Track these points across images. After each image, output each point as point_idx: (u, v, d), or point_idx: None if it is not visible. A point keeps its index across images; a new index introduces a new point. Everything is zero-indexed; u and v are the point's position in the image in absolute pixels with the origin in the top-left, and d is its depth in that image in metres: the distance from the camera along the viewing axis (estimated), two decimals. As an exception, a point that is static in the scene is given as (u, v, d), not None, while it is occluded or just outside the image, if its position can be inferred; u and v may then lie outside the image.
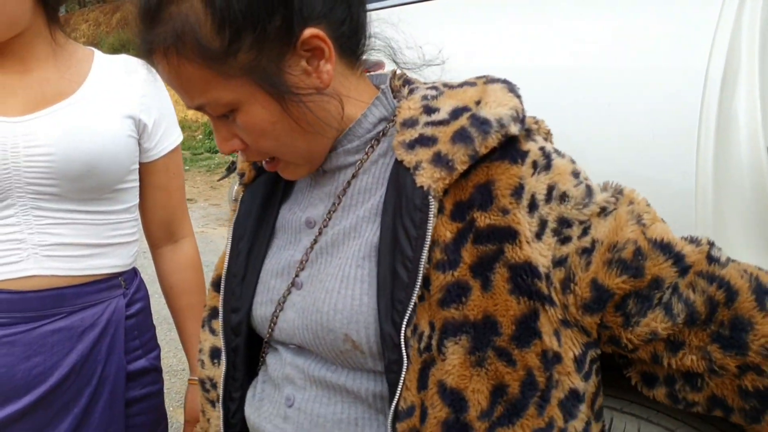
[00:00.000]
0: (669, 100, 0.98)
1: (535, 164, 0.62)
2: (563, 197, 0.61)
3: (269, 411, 0.74)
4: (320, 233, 0.71)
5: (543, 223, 0.61)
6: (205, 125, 13.04)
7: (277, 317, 0.73)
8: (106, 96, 1.05)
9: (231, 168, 6.72)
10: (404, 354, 0.61)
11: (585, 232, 0.61)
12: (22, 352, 0.98)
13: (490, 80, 0.66)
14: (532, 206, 0.61)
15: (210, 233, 5.92)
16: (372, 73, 0.75)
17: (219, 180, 7.58)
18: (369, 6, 0.72)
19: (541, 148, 0.63)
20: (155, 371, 1.17)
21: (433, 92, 0.67)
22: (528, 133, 0.64)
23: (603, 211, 0.62)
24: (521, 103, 0.63)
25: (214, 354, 0.84)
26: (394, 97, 0.72)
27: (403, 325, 0.60)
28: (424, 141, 0.62)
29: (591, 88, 1.06)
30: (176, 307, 1.19)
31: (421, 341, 0.61)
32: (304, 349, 0.72)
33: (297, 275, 0.72)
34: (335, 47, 0.64)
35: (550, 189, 0.61)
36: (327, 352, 0.68)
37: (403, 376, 0.61)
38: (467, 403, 0.60)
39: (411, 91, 0.69)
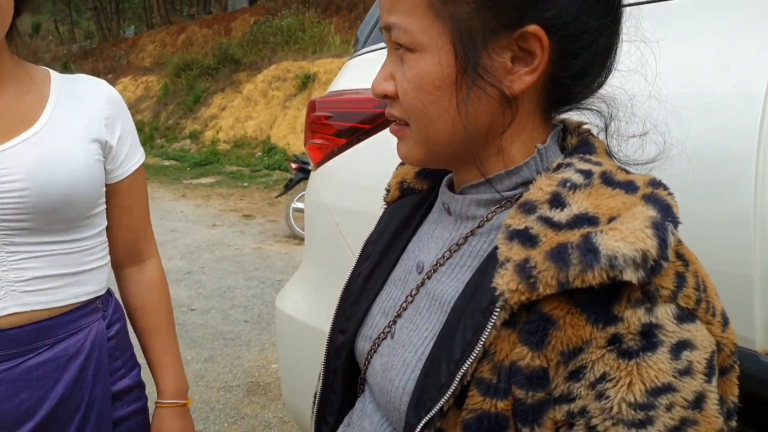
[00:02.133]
0: (726, 127, 0.95)
1: (616, 339, 0.47)
2: (602, 396, 0.47)
3: None
4: (423, 283, 0.64)
5: (569, 398, 0.49)
6: (264, 143, 13.37)
7: (371, 357, 0.68)
8: (70, 120, 1.01)
9: (289, 185, 6.89)
10: None
11: None
12: (8, 389, 0.96)
13: (650, 195, 0.52)
14: (572, 376, 0.49)
15: (266, 249, 6.05)
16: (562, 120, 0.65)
17: (277, 197, 7.76)
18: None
19: (648, 327, 0.47)
20: (139, 388, 1.16)
21: (581, 179, 0.54)
22: (647, 298, 0.48)
23: None
24: (659, 248, 0.47)
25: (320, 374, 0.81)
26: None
27: (421, 425, 0.54)
28: (526, 238, 0.51)
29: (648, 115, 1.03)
30: (141, 328, 1.18)
31: None
32: (381, 407, 0.66)
33: (395, 321, 0.66)
34: (550, 69, 0.56)
35: (604, 377, 0.47)
36: (393, 422, 0.63)
37: None
38: None
39: (561, 167, 0.56)
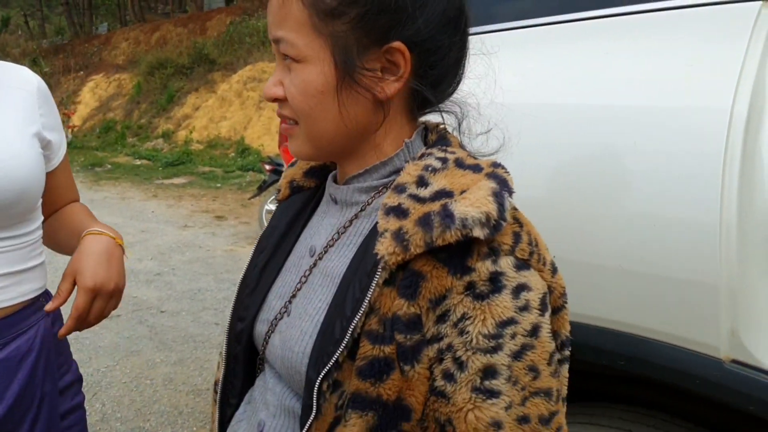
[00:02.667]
0: (693, 140, 0.97)
1: (471, 286, 0.60)
2: (464, 331, 0.59)
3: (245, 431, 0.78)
4: (315, 264, 0.74)
5: (438, 337, 0.61)
6: (238, 143, 13.26)
7: (269, 337, 0.76)
8: (10, 115, 1.00)
9: (262, 186, 6.83)
10: (314, 403, 0.63)
11: (453, 375, 0.60)
12: None
13: (491, 173, 0.65)
14: (439, 319, 0.60)
15: (239, 252, 6.00)
16: (423, 120, 0.77)
17: (250, 198, 7.69)
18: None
19: (494, 275, 0.60)
20: (78, 382, 1.18)
21: (439, 164, 0.67)
22: (492, 251, 0.61)
23: (480, 392, 0.59)
24: (498, 211, 0.60)
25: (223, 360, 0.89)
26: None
27: (320, 377, 0.63)
28: (399, 212, 0.63)
29: (617, 127, 1.06)
30: (69, 221, 1.15)
31: (341, 398, 0.63)
32: (282, 379, 0.75)
33: (290, 301, 0.75)
34: (412, 78, 0.67)
35: (464, 317, 0.59)
36: (295, 387, 0.71)
37: (309, 422, 0.64)
38: None
39: (424, 156, 0.69)
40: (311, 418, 0.64)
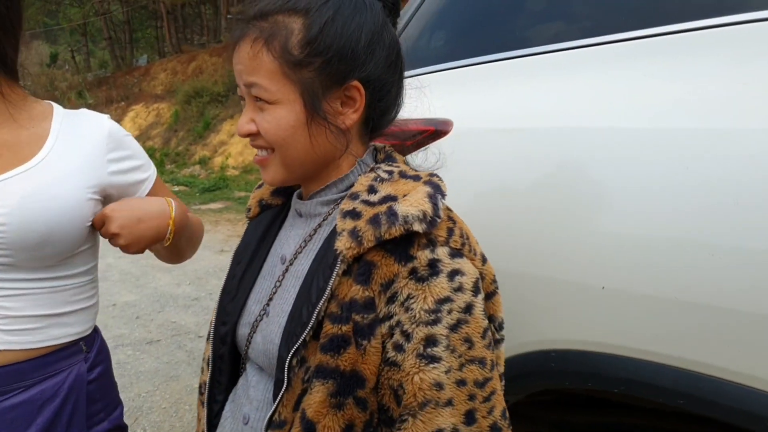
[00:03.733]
0: (753, 163, 0.93)
1: (413, 271, 0.72)
2: (409, 308, 0.71)
3: (230, 427, 0.88)
4: (287, 270, 0.86)
5: (389, 316, 0.73)
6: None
7: (251, 338, 0.86)
8: (67, 158, 0.99)
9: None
10: (285, 377, 0.75)
11: (402, 346, 0.72)
12: None
13: (428, 181, 0.78)
14: (389, 300, 0.72)
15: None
16: (375, 143, 0.91)
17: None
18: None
19: (432, 261, 0.73)
20: (118, 430, 1.14)
21: (386, 176, 0.80)
22: (430, 243, 0.74)
23: (424, 358, 0.71)
24: (433, 209, 0.74)
25: (209, 362, 0.96)
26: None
27: (290, 354, 0.75)
28: (353, 214, 0.75)
29: (671, 150, 1.01)
30: None
31: (307, 373, 0.75)
32: (263, 370, 0.85)
33: (268, 304, 0.86)
34: (366, 109, 0.82)
35: (409, 296, 0.72)
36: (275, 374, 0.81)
37: (281, 393, 0.76)
38: None
39: (375, 169, 0.82)
40: (282, 389, 0.76)
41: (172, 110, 16.88)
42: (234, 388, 0.92)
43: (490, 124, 1.22)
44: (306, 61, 0.76)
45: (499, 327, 0.84)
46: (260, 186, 1.02)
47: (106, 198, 1.07)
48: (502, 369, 0.83)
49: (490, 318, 0.82)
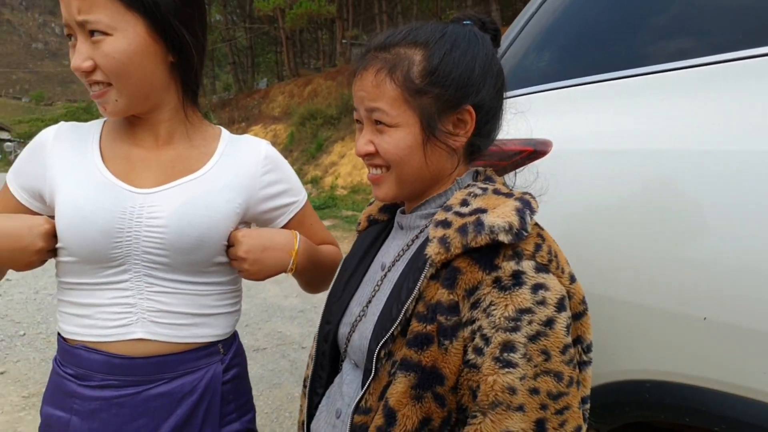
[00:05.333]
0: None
1: (497, 280, 0.76)
2: (490, 314, 0.75)
3: (325, 420, 0.95)
4: (385, 276, 0.93)
5: (471, 321, 0.77)
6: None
7: (350, 337, 0.93)
8: (224, 174, 1.09)
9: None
10: (373, 367, 0.82)
11: (482, 349, 0.76)
12: (129, 413, 1.04)
13: (519, 197, 0.83)
14: (473, 306, 0.77)
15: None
16: (476, 165, 0.97)
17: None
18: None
19: (516, 273, 0.76)
20: None
21: (480, 192, 0.85)
22: (516, 255, 0.78)
23: (498, 361, 0.74)
24: (520, 222, 0.77)
25: (313, 357, 1.04)
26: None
27: (379, 346, 0.81)
28: (444, 224, 0.81)
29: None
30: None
31: (393, 366, 0.81)
32: (358, 367, 0.91)
33: (367, 306, 0.93)
34: (474, 131, 0.88)
35: (491, 304, 0.75)
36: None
37: (369, 382, 0.83)
38: (396, 421, 0.78)
39: (471, 186, 0.88)
40: (370, 378, 0.82)
41: (288, 131, 17.71)
42: (330, 385, 0.99)
43: (592, 145, 1.21)
44: (426, 89, 0.84)
45: (587, 349, 0.85)
46: (370, 204, 1.12)
47: (248, 219, 1.15)
48: (587, 392, 0.84)
49: (578, 339, 0.83)
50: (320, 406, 0.99)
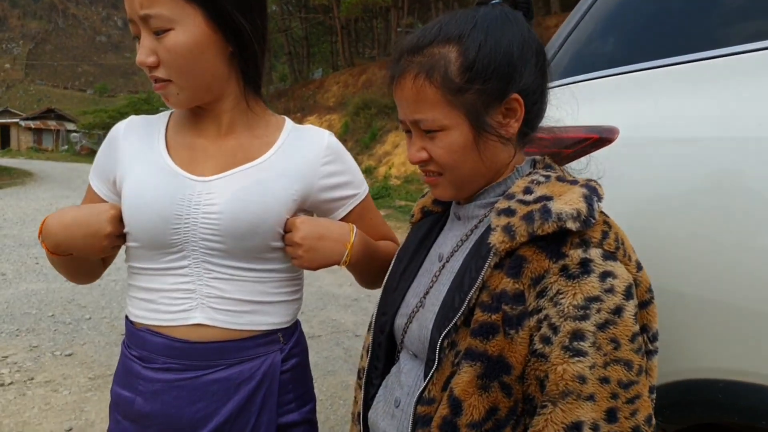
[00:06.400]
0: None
1: (564, 268, 0.75)
2: (557, 303, 0.74)
3: (383, 409, 0.95)
4: (443, 266, 0.92)
5: (537, 310, 0.76)
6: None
7: (407, 327, 0.93)
8: (284, 162, 1.09)
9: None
10: (436, 357, 0.81)
11: (550, 338, 0.75)
12: (188, 396, 1.06)
13: (585, 184, 0.81)
14: (539, 295, 0.76)
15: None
16: (532, 153, 0.94)
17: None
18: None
19: (584, 260, 0.75)
20: (307, 424, 1.18)
21: (542, 179, 0.84)
22: (583, 242, 0.76)
23: (566, 351, 0.73)
24: (588, 209, 0.76)
25: (368, 349, 1.04)
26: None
27: (442, 336, 0.81)
28: (508, 212, 0.80)
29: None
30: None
31: (457, 356, 0.80)
32: (417, 357, 0.91)
33: (424, 297, 0.92)
34: (524, 116, 0.85)
35: (558, 292, 0.74)
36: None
37: (431, 373, 0.82)
38: (462, 411, 0.77)
39: (533, 173, 0.86)
40: (433, 368, 0.82)
41: (343, 121, 17.83)
42: (387, 376, 0.99)
43: (662, 133, 1.15)
44: (467, 86, 0.81)
45: (653, 338, 0.83)
46: (424, 195, 1.09)
47: (308, 207, 1.15)
48: (654, 381, 0.83)
49: (644, 328, 0.81)
50: (377, 396, 0.99)
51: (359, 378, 1.06)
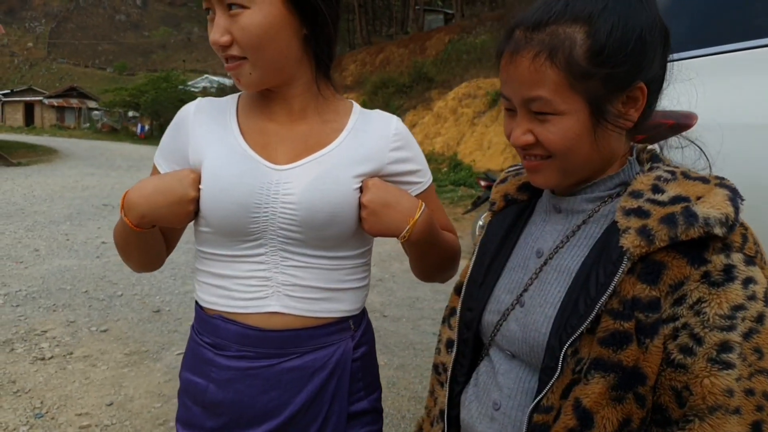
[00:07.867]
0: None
1: (707, 275, 0.71)
2: (700, 312, 0.71)
3: (478, 411, 0.91)
4: (545, 263, 0.87)
5: (674, 318, 0.72)
6: (451, 159, 13.56)
7: (500, 325, 0.89)
8: (354, 149, 1.08)
9: (477, 202, 6.93)
10: (559, 365, 0.76)
11: (693, 349, 0.71)
12: (261, 385, 1.05)
13: (720, 184, 0.76)
14: (676, 302, 0.72)
15: (454, 264, 6.11)
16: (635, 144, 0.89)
17: (464, 213, 7.84)
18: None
19: (728, 267, 0.71)
20: (375, 412, 1.18)
21: (668, 176, 0.78)
22: (725, 247, 0.72)
23: (714, 362, 0.70)
24: (735, 213, 0.72)
25: (449, 345, 1.01)
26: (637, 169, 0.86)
27: (566, 345, 0.76)
28: (640, 213, 0.75)
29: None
30: None
31: (578, 364, 0.76)
32: (516, 358, 0.88)
33: (522, 294, 0.87)
34: (644, 106, 0.81)
35: (700, 300, 0.71)
36: (536, 362, 0.83)
37: (552, 381, 0.77)
38: (594, 423, 0.74)
39: (651, 169, 0.82)
40: (554, 377, 0.77)
41: (360, 100, 17.75)
42: (475, 372, 0.96)
43: (745, 119, 1.13)
44: (594, 71, 0.76)
45: None
46: (503, 181, 1.03)
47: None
48: None
49: None
50: (467, 395, 0.95)
51: (437, 374, 1.03)
